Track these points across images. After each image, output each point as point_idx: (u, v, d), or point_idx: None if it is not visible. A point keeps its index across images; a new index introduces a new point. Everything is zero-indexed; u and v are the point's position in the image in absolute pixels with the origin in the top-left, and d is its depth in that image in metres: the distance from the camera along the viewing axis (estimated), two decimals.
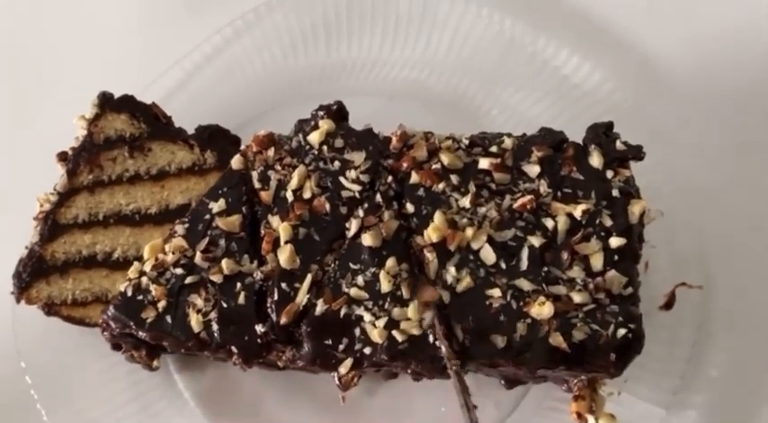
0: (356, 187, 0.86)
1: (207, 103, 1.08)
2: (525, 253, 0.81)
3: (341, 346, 0.80)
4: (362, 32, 1.11)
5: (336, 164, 0.87)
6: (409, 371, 0.82)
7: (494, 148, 0.88)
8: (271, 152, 0.88)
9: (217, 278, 0.82)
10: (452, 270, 0.81)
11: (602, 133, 0.89)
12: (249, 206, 0.86)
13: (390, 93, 1.10)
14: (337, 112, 0.91)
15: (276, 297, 0.81)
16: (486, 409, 0.93)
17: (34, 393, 0.93)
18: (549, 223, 0.83)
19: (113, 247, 0.95)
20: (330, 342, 0.80)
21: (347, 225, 0.84)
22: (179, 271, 0.83)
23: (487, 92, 1.08)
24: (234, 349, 0.82)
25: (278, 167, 0.87)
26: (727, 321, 0.97)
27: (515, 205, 0.84)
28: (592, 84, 1.06)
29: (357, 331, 0.80)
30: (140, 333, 0.83)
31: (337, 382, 0.83)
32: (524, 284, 0.80)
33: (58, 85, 1.13)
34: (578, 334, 0.78)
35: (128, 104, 0.98)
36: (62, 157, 0.96)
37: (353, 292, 0.81)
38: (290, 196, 0.85)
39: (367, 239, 0.82)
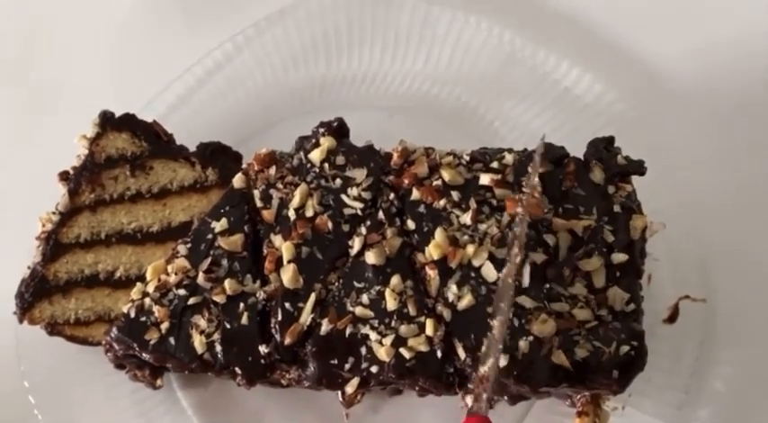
0: (358, 205, 0.86)
1: (208, 119, 1.07)
2: (527, 270, 0.81)
3: (347, 366, 0.80)
4: (363, 46, 1.10)
5: (338, 181, 0.87)
6: (417, 388, 0.82)
7: (495, 164, 0.88)
8: (272, 170, 0.88)
9: (220, 299, 0.82)
10: (453, 287, 0.81)
11: (603, 148, 0.89)
12: (251, 225, 0.86)
13: (391, 106, 1.09)
14: (338, 129, 0.91)
15: (280, 317, 0.81)
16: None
17: (38, 413, 0.93)
18: (551, 240, 0.83)
19: (116, 265, 0.95)
20: (336, 361, 0.80)
21: (350, 243, 0.84)
22: (182, 292, 0.83)
23: (489, 105, 1.08)
24: (238, 370, 0.81)
25: (280, 186, 0.87)
26: (731, 334, 0.96)
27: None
28: (593, 95, 1.05)
29: (363, 350, 0.80)
30: (144, 355, 0.82)
31: (341, 400, 0.83)
32: (526, 302, 0.80)
33: (58, 105, 1.13)
34: (581, 351, 0.78)
35: (129, 123, 0.98)
36: (64, 176, 0.96)
37: (359, 310, 0.81)
38: (292, 215, 0.85)
39: (371, 257, 0.82)
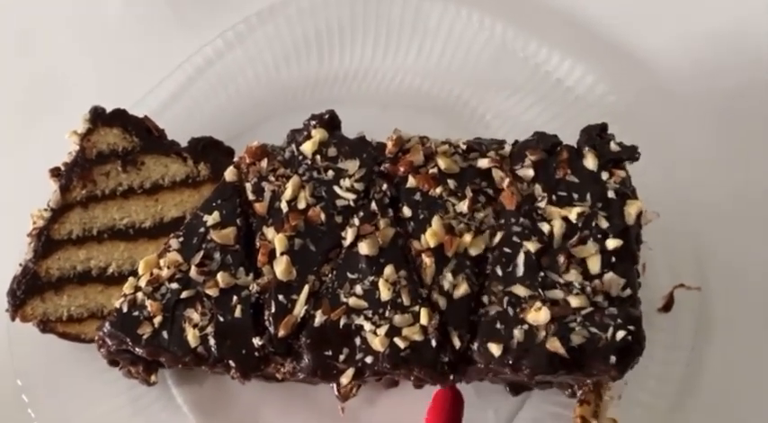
0: (351, 196, 0.86)
1: (199, 115, 1.07)
2: (521, 259, 0.81)
3: (341, 357, 0.80)
4: (354, 41, 1.10)
5: (330, 173, 0.87)
6: (412, 378, 0.82)
7: (491, 154, 0.88)
8: (264, 163, 0.88)
9: (212, 292, 0.82)
10: (449, 276, 0.81)
11: (596, 135, 0.89)
12: (244, 218, 0.86)
13: (384, 101, 1.09)
14: (330, 121, 0.91)
15: (273, 309, 0.81)
16: (486, 415, 0.93)
17: (31, 412, 0.93)
18: (545, 228, 0.82)
19: (108, 262, 0.95)
20: (330, 353, 0.80)
21: (343, 234, 0.84)
22: (174, 286, 0.82)
23: (481, 97, 1.08)
24: (232, 363, 0.81)
25: (272, 178, 0.87)
26: (727, 323, 0.97)
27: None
28: (585, 87, 1.06)
29: (358, 340, 0.80)
30: (137, 349, 0.82)
31: (336, 393, 0.83)
32: (520, 290, 0.80)
33: (49, 101, 1.13)
34: (576, 338, 0.77)
35: (120, 118, 0.97)
36: (55, 172, 0.95)
37: (352, 301, 0.81)
38: (284, 207, 0.85)
39: (364, 248, 0.82)
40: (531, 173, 0.85)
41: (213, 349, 0.81)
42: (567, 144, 0.88)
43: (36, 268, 0.92)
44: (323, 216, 0.84)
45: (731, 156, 1.06)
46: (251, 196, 0.86)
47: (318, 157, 0.88)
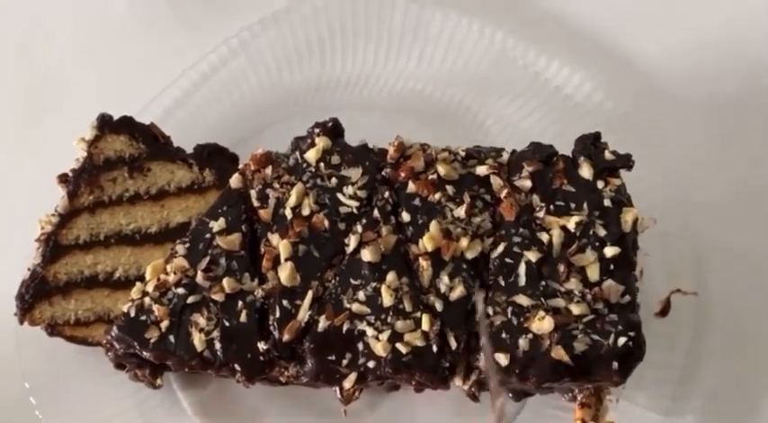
0: (354, 203, 0.87)
1: (204, 121, 1.08)
2: (523, 269, 0.82)
3: (344, 361, 0.81)
4: (356, 48, 1.11)
5: (334, 180, 0.88)
6: (413, 383, 0.84)
7: (490, 161, 0.89)
8: (268, 170, 0.89)
9: (218, 297, 0.83)
10: (446, 279, 0.83)
11: (590, 144, 0.90)
12: (249, 224, 0.87)
13: (385, 106, 1.11)
14: (333, 129, 0.92)
15: (278, 314, 0.82)
16: (486, 418, 0.94)
17: (39, 414, 0.94)
18: (545, 237, 0.84)
19: (115, 266, 0.96)
20: (333, 357, 0.81)
21: (346, 241, 0.85)
22: (181, 291, 0.84)
23: (481, 104, 1.09)
24: (237, 367, 0.82)
25: (276, 185, 0.88)
26: (723, 327, 0.98)
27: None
28: (583, 94, 1.07)
29: (360, 346, 0.81)
30: (144, 353, 0.83)
31: (339, 396, 0.84)
32: (523, 300, 0.81)
33: (56, 108, 1.14)
34: (579, 345, 0.79)
35: (127, 125, 0.99)
36: (63, 178, 0.97)
37: (355, 307, 0.82)
38: (288, 214, 0.86)
39: (366, 255, 0.84)
40: (528, 183, 0.87)
41: (219, 353, 0.82)
42: (562, 154, 0.90)
43: (44, 273, 0.93)
44: (326, 223, 0.86)
45: (729, 161, 1.07)
46: (256, 203, 0.88)
47: (322, 164, 0.89)
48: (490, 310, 0.81)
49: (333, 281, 0.84)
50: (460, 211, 0.85)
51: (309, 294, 0.83)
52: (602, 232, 0.84)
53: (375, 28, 1.11)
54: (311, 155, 0.89)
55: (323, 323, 0.81)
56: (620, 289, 0.82)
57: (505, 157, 0.90)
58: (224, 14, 1.16)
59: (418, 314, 0.81)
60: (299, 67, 1.12)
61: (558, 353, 0.78)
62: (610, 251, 0.83)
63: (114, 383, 0.95)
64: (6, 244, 0.98)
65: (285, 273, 0.83)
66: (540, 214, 0.85)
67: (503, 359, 0.79)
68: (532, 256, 0.83)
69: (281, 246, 0.84)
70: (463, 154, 0.90)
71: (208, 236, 0.86)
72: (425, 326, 0.80)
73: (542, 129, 1.05)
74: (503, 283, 0.82)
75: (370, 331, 0.81)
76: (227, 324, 0.83)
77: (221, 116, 1.10)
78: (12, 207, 1.05)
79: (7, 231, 1.01)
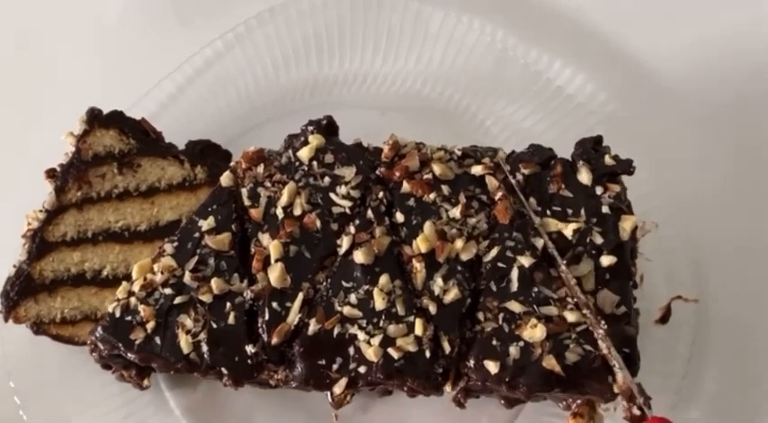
0: (347, 203, 0.85)
1: (197, 118, 1.06)
2: (515, 274, 0.81)
3: (335, 366, 0.79)
4: (354, 45, 1.09)
5: (327, 180, 0.86)
6: (405, 388, 0.81)
7: (486, 160, 0.88)
8: (260, 168, 0.87)
9: (206, 298, 0.81)
10: (440, 281, 0.81)
11: (590, 148, 0.88)
12: (239, 224, 0.85)
13: (383, 105, 1.09)
14: (327, 127, 0.90)
15: (267, 317, 0.80)
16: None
17: (23, 414, 0.92)
18: (539, 243, 0.82)
19: (102, 264, 0.94)
20: (323, 362, 0.79)
21: (338, 242, 0.84)
22: (168, 291, 0.82)
23: (480, 103, 1.07)
24: (224, 370, 0.81)
25: (268, 184, 0.86)
26: (724, 335, 0.96)
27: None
28: (585, 94, 1.05)
29: (351, 350, 0.79)
30: (129, 355, 0.81)
31: (330, 401, 0.82)
32: (515, 306, 0.79)
33: (47, 102, 1.12)
34: (572, 355, 0.77)
35: (116, 120, 0.96)
36: (50, 173, 0.95)
37: (346, 310, 0.80)
38: (280, 213, 0.84)
39: (359, 256, 0.82)
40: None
41: (206, 356, 0.80)
42: (561, 157, 0.88)
43: (30, 270, 0.91)
44: (318, 223, 0.84)
45: (733, 163, 1.05)
46: (247, 202, 0.86)
47: (315, 163, 0.87)
48: (481, 316, 0.80)
49: (324, 283, 0.82)
50: (456, 212, 0.84)
51: (300, 296, 0.81)
52: (598, 240, 0.82)
53: (373, 25, 1.09)
54: (304, 153, 0.87)
55: (313, 326, 0.80)
56: (614, 300, 0.80)
57: (501, 155, 0.88)
58: (223, 13, 1.13)
59: (411, 318, 0.79)
60: (295, 63, 1.10)
61: (550, 363, 0.76)
62: (606, 260, 0.81)
63: (101, 384, 0.93)
64: None
65: (275, 274, 0.81)
66: (536, 219, 0.83)
67: (492, 367, 0.77)
68: (525, 261, 0.81)
69: (272, 246, 0.82)
70: (459, 153, 0.88)
71: (197, 235, 0.85)
72: (419, 330, 0.79)
73: (543, 129, 1.04)
74: (494, 288, 0.81)
75: (361, 335, 0.79)
76: (214, 326, 0.81)
77: (215, 112, 1.08)
78: None
79: None
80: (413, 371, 0.78)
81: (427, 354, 0.78)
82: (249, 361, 0.80)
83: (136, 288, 0.83)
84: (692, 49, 1.10)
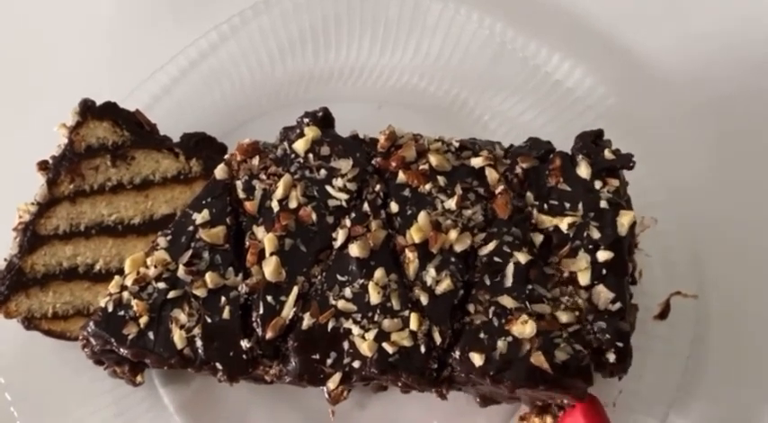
0: (343, 196, 0.84)
1: (192, 110, 1.05)
2: (510, 269, 0.80)
3: (329, 361, 0.79)
4: (351, 38, 1.08)
5: (323, 172, 0.85)
6: (399, 384, 0.81)
7: (484, 153, 0.87)
8: (255, 161, 0.86)
9: (200, 292, 0.80)
10: (432, 271, 0.80)
11: (591, 142, 0.87)
12: (234, 217, 0.84)
13: (380, 99, 1.08)
14: (323, 119, 0.89)
15: (261, 311, 0.79)
16: None
17: (14, 410, 0.91)
18: (537, 238, 0.81)
19: (95, 258, 0.93)
20: (318, 356, 0.79)
21: (334, 235, 0.83)
22: (161, 285, 0.81)
23: (478, 97, 1.06)
24: (218, 366, 0.79)
25: (263, 177, 0.85)
26: (724, 330, 0.96)
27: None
28: (584, 89, 1.05)
29: (345, 345, 0.78)
30: (122, 350, 0.80)
31: (326, 397, 0.81)
32: (507, 302, 0.78)
33: (38, 93, 1.10)
34: (561, 354, 0.76)
35: (110, 112, 0.95)
36: (42, 166, 0.93)
37: (341, 304, 0.79)
38: (275, 206, 0.83)
39: (354, 250, 0.81)
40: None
41: (200, 351, 0.79)
42: (560, 151, 0.87)
43: (21, 264, 0.90)
44: (314, 216, 0.83)
45: (732, 159, 1.05)
46: (241, 194, 0.85)
47: (311, 155, 0.86)
48: (471, 308, 0.79)
49: (319, 277, 0.81)
50: (451, 203, 0.83)
51: (294, 290, 0.80)
52: (596, 235, 0.81)
53: (370, 17, 1.08)
54: (300, 145, 0.86)
55: (307, 320, 0.79)
56: (609, 296, 0.79)
57: (499, 150, 0.87)
58: (218, 5, 1.12)
59: (406, 313, 0.78)
60: (291, 56, 1.09)
61: (538, 359, 0.76)
62: (603, 255, 0.80)
63: (93, 379, 0.92)
64: None
65: (270, 267, 0.80)
66: (534, 213, 0.83)
67: (477, 359, 0.76)
68: (522, 257, 0.80)
69: (267, 239, 0.81)
70: (457, 145, 0.87)
71: (191, 228, 0.83)
72: (414, 325, 0.78)
73: (541, 124, 1.03)
74: (488, 282, 0.80)
75: (356, 330, 0.78)
76: (209, 320, 0.80)
77: (210, 105, 1.06)
78: None
79: None
80: (407, 366, 0.77)
81: (422, 349, 0.78)
82: (244, 356, 0.79)
83: (129, 282, 0.81)
84: (692, 42, 1.10)
